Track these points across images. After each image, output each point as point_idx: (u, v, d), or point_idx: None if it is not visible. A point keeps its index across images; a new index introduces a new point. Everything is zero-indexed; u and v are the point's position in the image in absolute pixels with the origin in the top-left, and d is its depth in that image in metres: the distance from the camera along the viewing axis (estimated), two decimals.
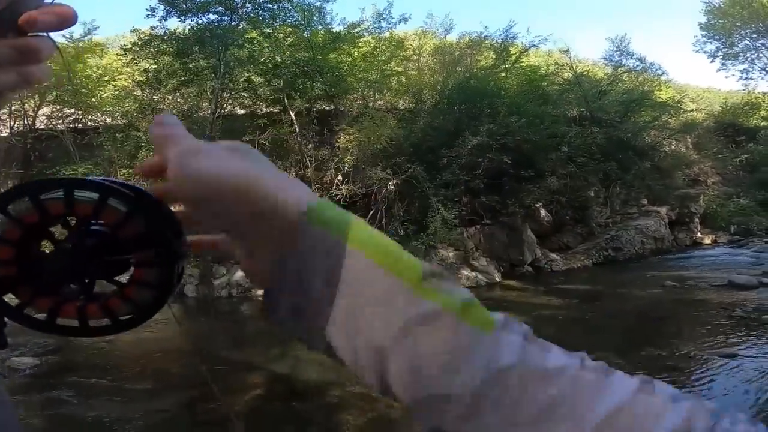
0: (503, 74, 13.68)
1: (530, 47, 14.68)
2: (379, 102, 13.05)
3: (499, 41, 14.19)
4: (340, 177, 10.51)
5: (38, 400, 4.09)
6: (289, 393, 4.20)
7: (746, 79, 23.88)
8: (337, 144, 11.09)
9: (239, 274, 10.17)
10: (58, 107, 12.56)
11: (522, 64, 14.44)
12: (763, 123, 19.78)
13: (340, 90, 12.07)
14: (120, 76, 13.47)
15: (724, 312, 6.25)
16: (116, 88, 12.75)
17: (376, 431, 3.39)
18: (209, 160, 0.30)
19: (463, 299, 0.30)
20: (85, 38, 12.71)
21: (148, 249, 0.33)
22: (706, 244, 13.70)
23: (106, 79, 13.34)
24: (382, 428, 3.42)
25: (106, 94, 12.78)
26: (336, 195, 10.31)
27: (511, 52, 14.36)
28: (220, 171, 0.30)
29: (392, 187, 9.98)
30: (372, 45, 13.65)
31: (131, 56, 11.34)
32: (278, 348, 5.65)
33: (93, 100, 12.63)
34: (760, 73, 20.60)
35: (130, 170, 11.27)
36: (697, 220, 14.28)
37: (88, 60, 13.14)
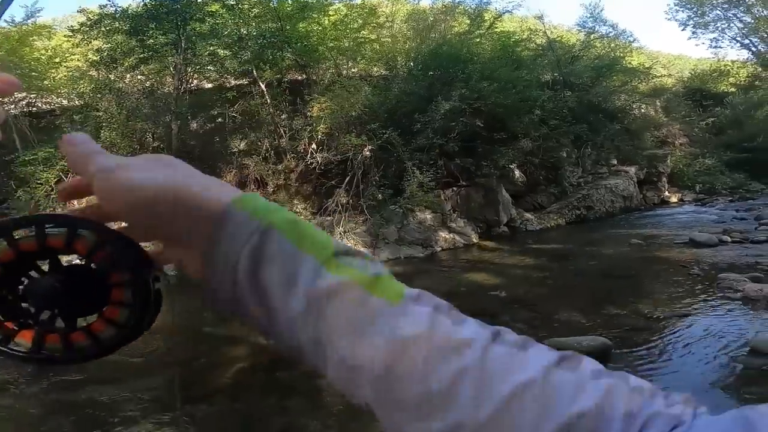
0: (477, 40, 13.27)
1: (504, 13, 14.23)
2: (353, 70, 12.50)
3: (473, 7, 13.65)
4: (314, 145, 10.14)
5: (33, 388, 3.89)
6: (272, 363, 4.05)
7: (716, 47, 23.77)
8: (310, 113, 10.67)
9: None
10: None
11: (496, 29, 14.04)
12: (731, 89, 19.88)
13: (311, 60, 11.48)
14: (72, 57, 12.67)
15: (683, 270, 6.21)
16: (69, 70, 11.98)
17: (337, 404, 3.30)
18: (134, 172, 0.31)
19: (373, 273, 0.30)
20: (28, 21, 11.99)
21: (122, 270, 0.33)
22: (673, 203, 13.80)
23: (57, 60, 12.56)
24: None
25: (59, 76, 12.10)
26: (311, 163, 9.97)
27: (485, 18, 13.86)
28: (146, 180, 0.30)
29: (367, 153, 9.65)
30: (343, 13, 12.88)
31: (81, 36, 10.48)
32: None
33: (45, 82, 12.02)
34: (730, 42, 20.54)
35: None
36: (664, 179, 14.32)
37: (35, 43, 12.42)
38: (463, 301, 5.60)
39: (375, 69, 12.96)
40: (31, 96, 12.42)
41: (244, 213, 0.30)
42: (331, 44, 11.80)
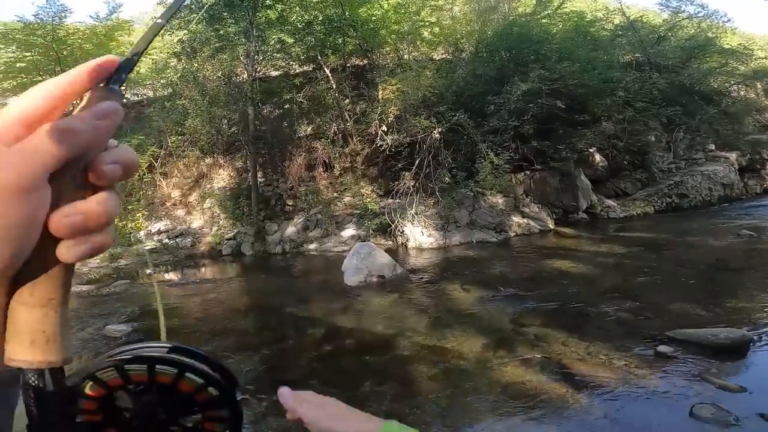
0: (545, 20, 12.38)
1: None
2: (414, 54, 12.13)
3: None
4: (384, 128, 9.93)
5: None
6: (358, 347, 3.86)
7: None
8: (377, 96, 10.47)
9: (290, 230, 10.08)
10: None
11: (565, 9, 13.01)
12: None
13: (373, 44, 11.24)
14: (153, 50, 13.57)
15: None
16: (153, 61, 12.63)
17: (449, 381, 3.01)
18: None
19: None
20: (112, 16, 12.52)
21: (218, 409, 0.37)
22: None
23: None
24: (455, 378, 3.04)
25: (142, 69, 12.76)
26: (381, 145, 9.78)
27: None
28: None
29: (437, 135, 9.28)
30: None
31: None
32: (338, 302, 5.40)
33: (131, 75, 12.82)
34: None
35: (179, 137, 11.46)
36: None
37: (120, 38, 13.07)
38: (551, 288, 5.11)
39: (436, 53, 12.52)
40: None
41: None
42: (393, 28, 11.47)
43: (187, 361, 0.36)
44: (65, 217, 0.27)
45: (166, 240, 10.66)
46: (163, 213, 11.81)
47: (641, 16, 15.27)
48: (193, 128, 10.80)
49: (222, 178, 12.09)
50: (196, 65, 10.02)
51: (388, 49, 11.69)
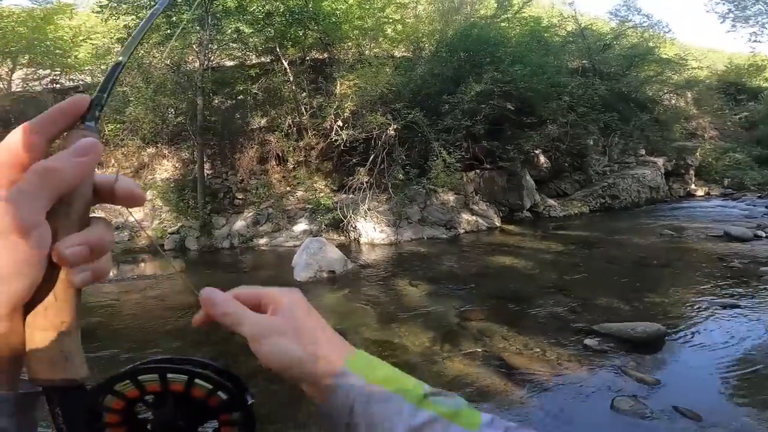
0: (504, 24, 12.80)
1: None
2: (375, 50, 12.17)
3: None
4: (339, 122, 9.90)
5: None
6: None
7: (754, 41, 22.68)
8: (334, 91, 10.40)
9: (240, 224, 9.81)
10: (32, 69, 12.14)
11: (523, 14, 13.52)
12: (765, 84, 19.11)
13: (335, 38, 11.14)
14: (95, 35, 12.69)
15: (721, 262, 5.93)
16: (94, 47, 12.02)
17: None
18: (275, 344, 0.40)
19: (455, 407, 0.38)
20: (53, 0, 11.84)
21: (231, 413, 0.39)
22: (699, 196, 13.34)
23: (81, 39, 12.65)
24: (404, 371, 3.15)
25: (81, 54, 12.20)
26: (336, 140, 9.74)
27: (513, 2, 13.33)
28: (283, 355, 0.40)
29: (392, 132, 9.40)
30: None
31: (108, 12, 10.33)
32: None
33: (69, 60, 12.19)
34: None
35: (117, 125, 10.80)
36: (692, 172, 13.82)
37: (59, 22, 12.39)
38: (496, 284, 5.39)
39: (397, 50, 12.61)
40: (55, 73, 12.60)
41: (357, 375, 0.39)
42: (356, 23, 11.43)
43: (194, 368, 0.38)
44: (67, 248, 0.30)
45: None
46: (97, 205, 11.06)
47: (591, 24, 16.22)
48: (135, 116, 10.17)
49: (165, 169, 11.51)
50: (141, 51, 9.42)
51: (349, 44, 11.63)
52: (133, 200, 0.36)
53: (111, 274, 7.65)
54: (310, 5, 10.07)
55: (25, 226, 0.28)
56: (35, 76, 12.36)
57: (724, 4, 19.10)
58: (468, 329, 3.96)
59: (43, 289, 0.30)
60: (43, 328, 0.30)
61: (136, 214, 10.79)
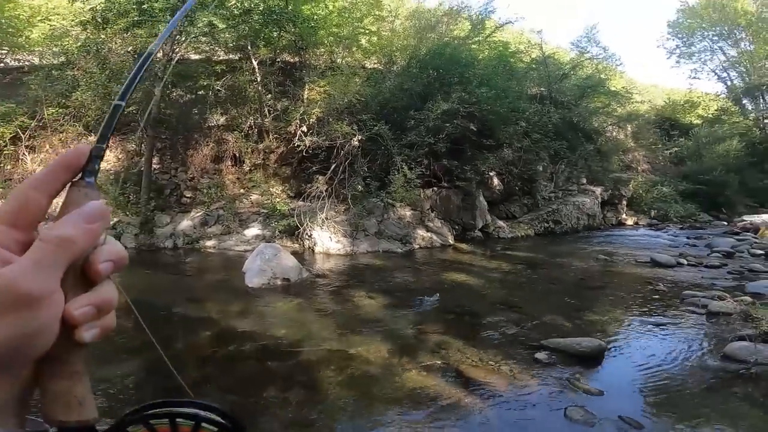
0: (475, 46, 13.37)
1: (506, 23, 14.39)
2: (347, 59, 12.32)
3: (477, 13, 13.77)
4: (304, 128, 9.86)
5: None
6: (259, 351, 3.73)
7: (694, 78, 25.26)
8: (302, 96, 10.36)
9: (186, 223, 9.41)
10: None
11: (494, 38, 14.19)
12: (697, 121, 20.79)
13: (309, 43, 11.15)
14: (55, 16, 11.97)
15: (649, 286, 6.55)
16: (52, 27, 11.34)
17: (356, 387, 3.11)
18: None
19: None
20: None
21: None
22: (629, 225, 14.58)
23: (38, 19, 11.97)
24: (362, 384, 3.17)
25: (34, 35, 11.64)
26: (299, 146, 9.69)
27: (487, 26, 14.01)
28: None
29: (356, 142, 9.51)
30: (350, 0, 12.65)
31: None
32: (237, 304, 5.20)
33: (20, 39, 11.71)
34: (708, 74, 21.71)
35: (59, 109, 10.11)
36: (624, 202, 15.10)
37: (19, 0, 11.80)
38: (450, 299, 5.60)
39: (368, 61, 12.80)
40: (2, 52, 11.96)
41: None
42: (332, 30, 11.50)
43: (201, 413, 0.41)
44: (76, 309, 0.33)
45: None
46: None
47: (554, 53, 17.09)
48: (80, 102, 9.52)
49: (107, 159, 10.79)
50: (103, 37, 8.89)
51: (322, 50, 11.64)
52: (119, 267, 0.37)
53: None
54: (290, 6, 10.02)
55: (45, 295, 0.31)
56: None
57: (673, 39, 21.30)
58: (425, 342, 4.09)
59: (57, 345, 0.33)
60: (58, 377, 0.34)
61: None
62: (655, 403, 2.95)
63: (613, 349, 3.87)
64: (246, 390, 3.10)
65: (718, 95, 22.04)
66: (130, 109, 9.84)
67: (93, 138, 8.59)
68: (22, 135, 10.12)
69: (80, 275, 0.35)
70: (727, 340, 4.09)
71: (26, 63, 11.82)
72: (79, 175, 0.36)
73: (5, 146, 10.02)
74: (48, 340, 0.32)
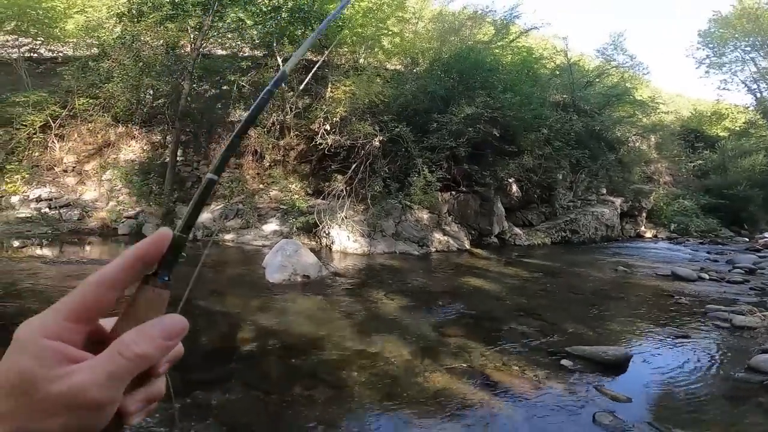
0: (498, 50, 13.33)
1: (531, 29, 14.30)
2: (369, 59, 12.41)
3: (502, 18, 13.72)
4: (327, 126, 9.96)
5: None
6: (284, 348, 3.76)
7: (723, 89, 24.71)
8: (324, 94, 10.47)
9: (206, 216, 9.56)
10: (14, 37, 11.93)
11: (518, 43, 14.11)
12: (723, 133, 20.29)
13: (333, 42, 11.30)
14: (90, 8, 12.32)
15: (671, 299, 6.50)
16: (88, 19, 11.67)
17: (381, 387, 3.14)
18: None
19: None
20: None
21: None
22: (648, 238, 14.41)
23: (74, 11, 12.33)
24: (386, 384, 3.19)
25: (69, 26, 11.97)
26: (320, 144, 9.79)
27: (511, 31, 13.96)
28: None
29: (377, 143, 9.58)
30: (374, 1, 12.74)
31: None
32: (259, 299, 5.25)
33: (55, 30, 12.04)
34: (738, 85, 21.07)
35: (90, 100, 10.38)
36: (644, 214, 14.93)
37: None
38: (469, 303, 5.61)
39: (390, 63, 12.86)
40: (37, 42, 12.27)
41: None
42: (357, 30, 11.59)
43: None
44: (133, 405, 0.35)
45: (47, 209, 9.43)
46: (49, 179, 10.42)
47: (579, 60, 16.91)
48: (111, 93, 9.80)
49: (132, 150, 11.05)
50: (139, 28, 9.15)
51: (345, 49, 11.72)
52: (174, 363, 0.39)
53: (52, 254, 7.25)
54: (316, 6, 10.15)
55: (110, 404, 0.32)
56: (16, 44, 11.97)
57: (703, 49, 20.86)
58: (446, 345, 4.11)
59: (106, 426, 0.34)
60: None
61: (91, 193, 10.25)
62: (683, 412, 2.95)
63: (638, 358, 3.86)
64: (271, 387, 3.13)
65: (747, 108, 21.47)
66: (159, 101, 10.09)
67: (122, 129, 8.76)
68: (52, 123, 10.41)
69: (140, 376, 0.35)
70: (752, 353, 4.07)
71: (60, 54, 12.19)
72: (155, 267, 0.34)
73: (35, 134, 10.33)
74: (100, 428, 0.33)
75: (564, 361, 3.61)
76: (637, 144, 16.95)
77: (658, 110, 17.25)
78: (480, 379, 3.30)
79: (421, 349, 3.96)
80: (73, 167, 10.64)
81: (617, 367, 3.55)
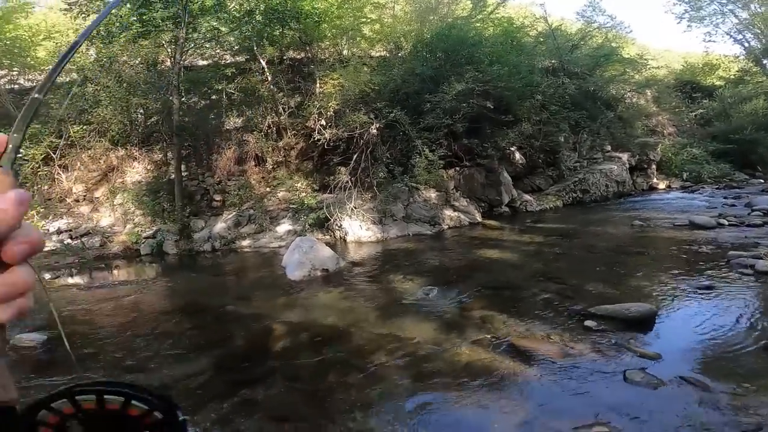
0: (478, 24, 13.10)
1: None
2: (353, 50, 12.23)
3: None
4: (323, 122, 9.91)
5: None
6: (313, 341, 3.84)
7: (709, 41, 24.03)
8: (314, 90, 10.39)
9: (220, 226, 9.63)
10: None
11: (497, 15, 13.90)
12: (719, 82, 20.08)
13: (313, 37, 11.13)
14: (56, 34, 12.21)
15: (691, 248, 6.39)
16: (56, 44, 11.49)
17: (411, 367, 3.17)
18: None
19: None
20: None
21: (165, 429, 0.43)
22: (661, 189, 14.15)
23: (41, 38, 12.21)
24: (416, 363, 3.22)
25: (42, 53, 11.85)
26: (318, 140, 9.75)
27: (489, 2, 13.73)
28: None
29: (374, 131, 9.51)
30: None
31: (78, 10, 9.85)
32: (283, 297, 5.33)
33: (28, 59, 11.92)
34: (723, 37, 20.54)
35: (84, 126, 10.39)
36: (654, 166, 14.63)
37: (18, 20, 12.08)
38: (487, 275, 5.61)
39: (374, 50, 12.70)
40: (13, 73, 12.12)
41: None
42: (334, 22, 11.45)
43: (131, 390, 0.42)
44: None
45: (69, 240, 9.59)
46: (64, 210, 10.58)
47: (560, 25, 16.67)
48: (102, 117, 9.81)
49: (137, 171, 11.13)
50: (114, 49, 9.10)
51: (327, 43, 11.59)
52: (35, 250, 0.36)
53: (83, 281, 7.41)
54: (289, 4, 10.02)
55: None
56: None
57: (680, 4, 20.30)
58: (470, 318, 4.12)
59: None
60: None
61: (107, 219, 10.39)
62: (715, 364, 2.91)
63: (663, 313, 3.81)
64: (309, 378, 3.22)
65: (737, 57, 21.12)
66: (152, 119, 10.09)
67: (121, 152, 8.78)
68: (53, 154, 10.51)
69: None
70: None
71: (39, 82, 12.26)
72: None
73: (39, 167, 10.44)
74: None
75: (588, 322, 3.58)
76: (635, 100, 16.70)
77: (648, 66, 17.06)
78: (507, 349, 3.31)
79: (446, 325, 3.98)
80: (84, 196, 10.77)
81: (642, 323, 3.51)
